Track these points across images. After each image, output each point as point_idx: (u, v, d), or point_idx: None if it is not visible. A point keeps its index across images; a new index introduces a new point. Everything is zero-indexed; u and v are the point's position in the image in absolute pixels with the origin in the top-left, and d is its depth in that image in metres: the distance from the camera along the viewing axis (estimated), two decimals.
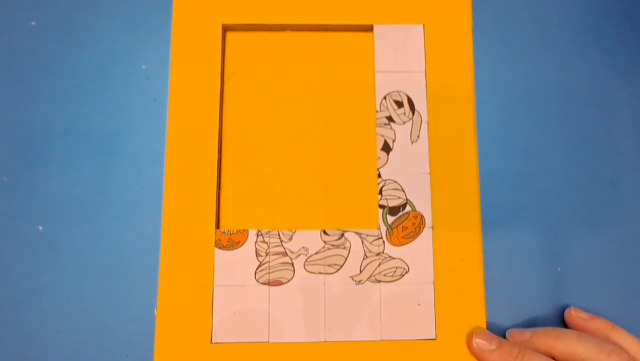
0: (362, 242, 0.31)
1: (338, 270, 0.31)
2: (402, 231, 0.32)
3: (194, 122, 0.32)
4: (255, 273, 0.31)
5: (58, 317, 0.31)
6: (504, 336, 0.31)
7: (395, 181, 0.32)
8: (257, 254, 0.31)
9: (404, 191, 0.32)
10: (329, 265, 0.31)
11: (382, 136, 0.32)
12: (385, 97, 0.33)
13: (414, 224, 0.32)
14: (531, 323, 0.32)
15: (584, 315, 0.31)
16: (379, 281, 0.31)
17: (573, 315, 0.31)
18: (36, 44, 0.34)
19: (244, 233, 0.31)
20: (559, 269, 0.32)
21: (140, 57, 0.34)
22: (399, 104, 0.33)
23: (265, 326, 0.30)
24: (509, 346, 0.29)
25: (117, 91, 0.34)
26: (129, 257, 0.32)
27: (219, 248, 0.31)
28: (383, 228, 0.32)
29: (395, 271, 0.31)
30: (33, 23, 0.34)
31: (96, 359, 0.31)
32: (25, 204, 0.32)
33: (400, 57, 0.33)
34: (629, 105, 0.34)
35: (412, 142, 0.32)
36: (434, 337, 0.30)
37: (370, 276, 0.31)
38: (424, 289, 0.31)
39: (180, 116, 0.32)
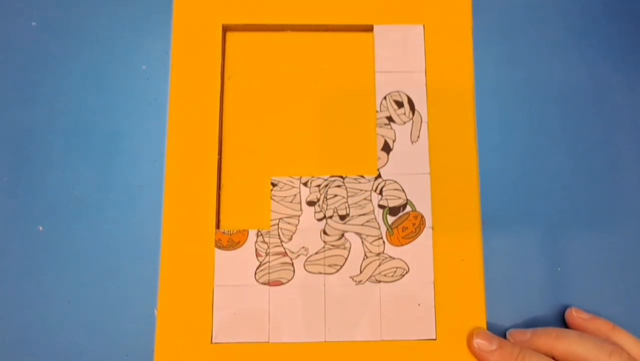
0: (362, 242, 0.31)
1: (338, 270, 0.31)
2: (402, 231, 0.32)
3: (194, 123, 0.32)
4: (255, 273, 0.31)
5: (58, 317, 0.31)
6: (505, 337, 0.31)
7: (396, 181, 0.32)
8: (257, 254, 0.31)
9: (404, 191, 0.32)
10: (329, 265, 0.31)
11: (382, 136, 0.32)
12: (385, 97, 0.33)
13: (414, 224, 0.32)
14: (531, 323, 0.32)
15: (584, 315, 0.31)
16: (379, 282, 0.31)
17: (574, 315, 0.31)
18: (36, 44, 0.34)
19: (244, 233, 0.31)
20: (559, 269, 0.32)
21: (140, 57, 0.34)
22: (399, 104, 0.33)
23: (265, 326, 0.30)
24: (510, 346, 0.29)
25: (117, 91, 0.34)
26: (129, 257, 0.32)
27: (219, 248, 0.31)
28: (383, 228, 0.32)
29: (395, 271, 0.31)
30: (33, 23, 0.34)
31: (96, 359, 0.31)
32: (25, 204, 0.32)
33: (400, 57, 0.33)
34: (629, 105, 0.34)
35: (412, 143, 0.32)
36: (434, 337, 0.30)
37: (371, 276, 0.31)
38: (424, 290, 0.31)
39: (180, 116, 0.32)
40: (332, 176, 0.32)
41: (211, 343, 0.30)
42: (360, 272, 0.31)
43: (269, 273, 0.31)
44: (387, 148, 0.32)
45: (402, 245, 0.31)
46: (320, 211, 0.31)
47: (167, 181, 0.31)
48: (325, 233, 0.31)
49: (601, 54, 0.35)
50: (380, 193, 0.32)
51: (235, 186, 0.32)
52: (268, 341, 0.30)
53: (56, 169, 0.33)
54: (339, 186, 0.32)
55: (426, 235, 0.31)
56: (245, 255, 0.31)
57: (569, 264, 0.33)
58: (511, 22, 0.35)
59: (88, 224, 0.32)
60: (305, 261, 0.31)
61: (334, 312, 0.31)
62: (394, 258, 0.31)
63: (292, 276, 0.31)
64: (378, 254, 0.31)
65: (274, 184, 0.32)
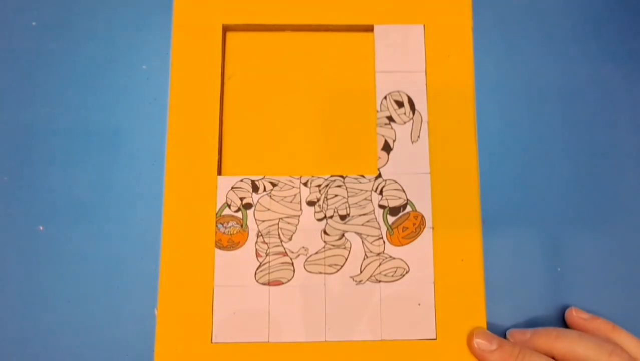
0: (363, 242, 0.31)
1: (338, 270, 0.31)
2: (403, 231, 0.32)
3: (194, 122, 0.32)
4: (255, 273, 0.31)
5: (58, 317, 0.31)
6: (505, 337, 0.31)
7: (396, 181, 0.32)
8: (257, 254, 0.31)
9: (404, 191, 0.32)
10: (329, 265, 0.31)
11: (383, 136, 0.32)
12: (385, 97, 0.33)
13: (414, 224, 0.32)
14: (532, 323, 0.32)
15: (584, 315, 0.31)
16: (379, 281, 0.31)
17: (574, 315, 0.31)
18: (36, 44, 0.34)
19: (244, 233, 0.31)
20: (559, 269, 0.32)
21: (140, 57, 0.34)
22: (399, 104, 0.33)
23: (265, 326, 0.30)
24: (510, 346, 0.29)
25: (117, 91, 0.34)
26: (129, 257, 0.32)
27: (219, 248, 0.31)
28: (383, 228, 0.32)
29: (395, 271, 0.31)
30: (33, 23, 0.34)
31: (96, 359, 0.31)
32: (25, 204, 0.32)
33: (400, 57, 0.33)
34: (629, 104, 0.34)
35: (412, 142, 0.32)
36: (434, 337, 0.30)
37: (371, 276, 0.31)
38: (424, 289, 0.31)
39: (180, 116, 0.32)
40: (332, 176, 0.32)
41: (211, 343, 0.30)
42: (360, 272, 0.31)
43: (269, 273, 0.31)
44: (387, 148, 0.32)
45: (402, 245, 0.31)
46: (321, 210, 0.31)
47: (167, 181, 0.31)
48: (325, 232, 0.31)
49: (601, 53, 0.35)
50: (381, 192, 0.32)
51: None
52: (268, 341, 0.30)
53: (56, 169, 0.33)
54: (339, 186, 0.32)
55: (426, 235, 0.31)
56: (245, 255, 0.31)
57: (569, 264, 0.33)
58: (511, 22, 0.35)
59: (88, 224, 0.32)
60: (306, 261, 0.31)
61: (334, 312, 0.31)
62: (394, 258, 0.31)
63: (292, 276, 0.31)
64: (378, 254, 0.31)
65: (274, 184, 0.32)
